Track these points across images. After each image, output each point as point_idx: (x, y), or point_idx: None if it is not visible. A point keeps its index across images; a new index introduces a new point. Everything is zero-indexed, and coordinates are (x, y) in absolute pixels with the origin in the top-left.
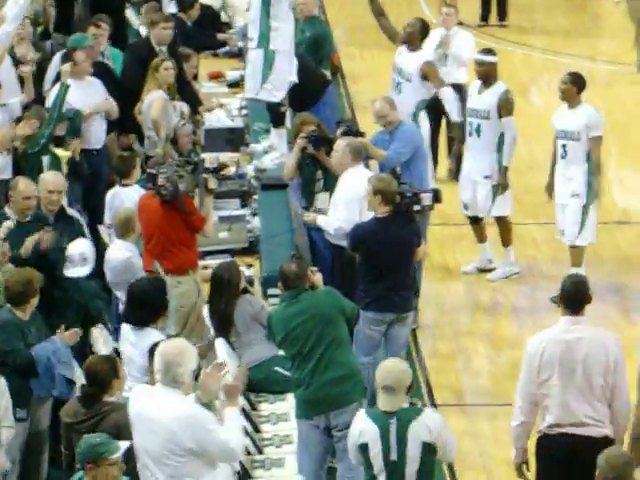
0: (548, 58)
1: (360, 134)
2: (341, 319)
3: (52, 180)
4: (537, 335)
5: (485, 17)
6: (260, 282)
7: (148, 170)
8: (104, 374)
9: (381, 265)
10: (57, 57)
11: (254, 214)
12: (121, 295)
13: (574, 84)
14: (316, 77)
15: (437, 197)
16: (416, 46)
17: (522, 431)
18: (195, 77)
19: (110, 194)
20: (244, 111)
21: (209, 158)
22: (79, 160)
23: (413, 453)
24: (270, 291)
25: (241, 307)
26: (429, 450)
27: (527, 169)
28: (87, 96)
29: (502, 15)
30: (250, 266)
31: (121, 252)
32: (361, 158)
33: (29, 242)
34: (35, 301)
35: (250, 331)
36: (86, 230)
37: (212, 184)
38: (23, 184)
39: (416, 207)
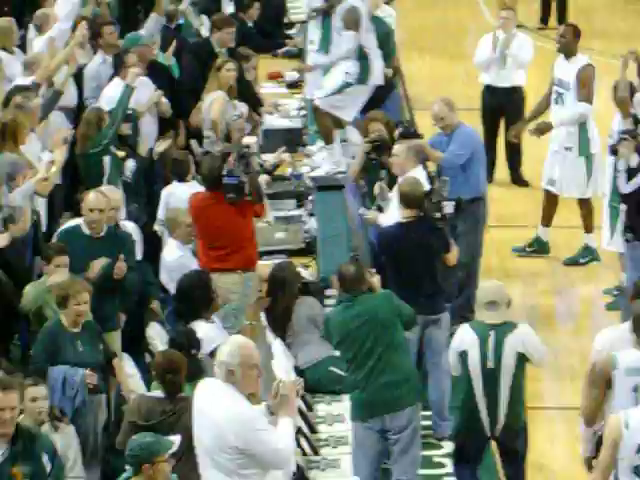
0: (607, 61)
1: (418, 136)
2: (398, 323)
3: (113, 197)
4: (605, 332)
5: (545, 20)
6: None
7: (226, 181)
8: (180, 362)
9: (405, 270)
10: (97, 57)
11: (310, 215)
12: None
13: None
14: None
15: (459, 207)
16: (572, 54)
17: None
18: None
19: (166, 191)
20: (302, 112)
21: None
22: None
23: (508, 362)
24: (327, 292)
25: (301, 308)
26: (522, 360)
27: None
28: (140, 97)
29: (562, 18)
30: (307, 267)
31: (173, 251)
32: (421, 160)
33: (96, 266)
34: (80, 311)
35: (306, 332)
36: (138, 247)
37: (255, 164)
38: (92, 196)
39: (436, 214)
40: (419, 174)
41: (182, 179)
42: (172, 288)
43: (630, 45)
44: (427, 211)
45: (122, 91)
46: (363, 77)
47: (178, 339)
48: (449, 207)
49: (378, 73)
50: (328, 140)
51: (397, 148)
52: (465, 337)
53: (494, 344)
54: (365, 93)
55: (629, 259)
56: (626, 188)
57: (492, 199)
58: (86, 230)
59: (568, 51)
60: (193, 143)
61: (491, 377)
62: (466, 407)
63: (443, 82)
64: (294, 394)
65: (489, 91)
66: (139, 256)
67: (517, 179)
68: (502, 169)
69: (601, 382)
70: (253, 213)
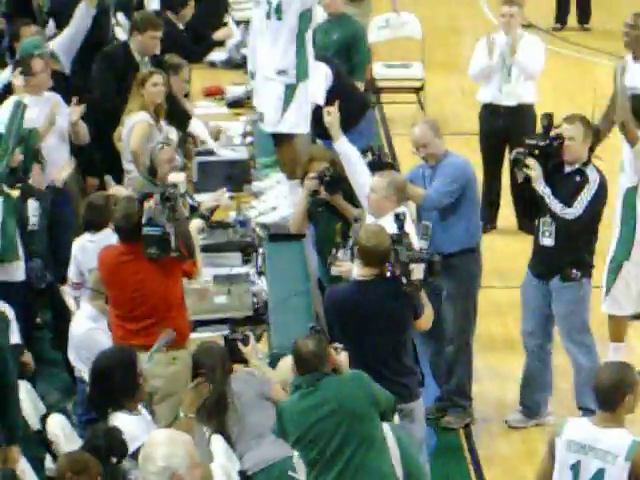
0: None
1: (392, 167)
2: (374, 413)
3: None
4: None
5: (562, 18)
6: (267, 362)
7: (147, 231)
8: (91, 465)
9: (361, 343)
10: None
11: (260, 273)
12: (87, 377)
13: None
14: (354, 98)
15: (432, 270)
16: None
17: None
18: (186, 94)
19: (77, 244)
20: (249, 138)
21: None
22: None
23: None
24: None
25: (240, 386)
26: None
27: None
28: (42, 116)
29: (584, 16)
30: (259, 338)
31: (82, 322)
32: (405, 199)
33: None
34: None
35: (259, 412)
36: (14, 327)
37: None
38: None
39: (403, 279)
40: (387, 221)
41: (97, 230)
42: (81, 370)
43: None
44: (393, 268)
45: (12, 109)
46: (304, 69)
47: (94, 441)
48: (418, 271)
49: (317, 90)
50: (294, 173)
51: (376, 182)
52: None
53: None
54: (306, 93)
55: (569, 302)
56: (570, 213)
57: (493, 251)
58: None
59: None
60: (108, 180)
61: None
62: None
63: (431, 99)
64: None
65: (489, 111)
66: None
67: (526, 225)
68: (507, 212)
69: (548, 448)
70: (182, 272)
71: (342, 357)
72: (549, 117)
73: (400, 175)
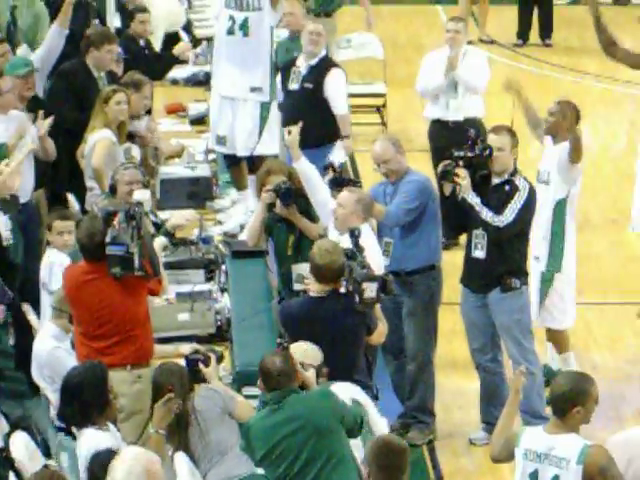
0: (603, 87)
1: (353, 182)
2: (340, 429)
3: None
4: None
5: (524, 35)
6: (232, 380)
7: (111, 250)
8: None
9: None
10: None
11: (223, 290)
12: (50, 395)
13: (564, 117)
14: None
15: (385, 288)
16: None
17: None
18: (149, 111)
19: (42, 261)
20: (211, 156)
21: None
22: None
23: None
24: (246, 391)
25: (203, 403)
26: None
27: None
28: (8, 133)
29: (546, 32)
30: (220, 359)
31: (46, 340)
32: (369, 217)
33: None
34: None
35: (222, 428)
36: None
37: (149, 227)
38: None
39: (356, 297)
40: (368, 234)
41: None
42: (45, 388)
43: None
44: (347, 284)
45: None
46: (274, 87)
47: None
48: (371, 290)
49: (341, 98)
50: (241, 184)
51: (344, 197)
52: None
53: None
54: (276, 113)
55: (513, 312)
56: (501, 220)
57: (455, 267)
58: None
59: None
60: (70, 198)
61: None
62: None
63: (393, 117)
64: None
65: (437, 127)
66: None
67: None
68: None
69: (509, 443)
70: (147, 290)
71: (309, 374)
72: (476, 129)
73: (366, 192)
